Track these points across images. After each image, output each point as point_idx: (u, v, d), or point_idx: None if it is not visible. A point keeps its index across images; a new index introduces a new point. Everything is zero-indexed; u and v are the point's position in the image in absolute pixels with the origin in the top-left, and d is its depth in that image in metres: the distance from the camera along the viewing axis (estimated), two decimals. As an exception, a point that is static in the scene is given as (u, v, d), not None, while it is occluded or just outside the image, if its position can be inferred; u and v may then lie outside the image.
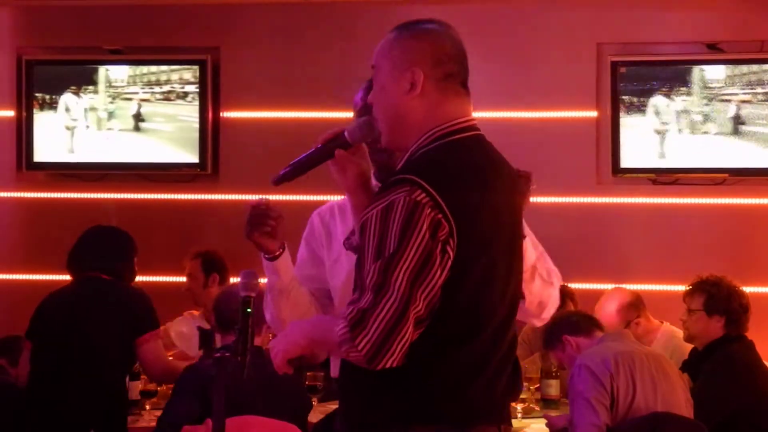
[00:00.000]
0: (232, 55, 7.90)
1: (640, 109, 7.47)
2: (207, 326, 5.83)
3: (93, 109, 7.87)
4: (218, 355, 3.57)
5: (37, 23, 8.11)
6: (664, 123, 7.43)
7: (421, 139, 2.73)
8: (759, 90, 7.32)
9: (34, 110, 7.90)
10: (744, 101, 7.34)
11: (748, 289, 5.85)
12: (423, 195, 2.56)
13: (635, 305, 6.44)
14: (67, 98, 7.88)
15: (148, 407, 5.77)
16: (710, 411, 5.23)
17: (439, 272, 2.57)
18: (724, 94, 7.37)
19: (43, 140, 7.90)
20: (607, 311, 6.39)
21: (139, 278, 7.47)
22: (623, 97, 7.46)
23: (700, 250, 7.40)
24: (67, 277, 5.76)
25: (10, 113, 7.98)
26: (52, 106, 7.89)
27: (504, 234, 2.73)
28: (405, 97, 2.74)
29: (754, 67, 7.34)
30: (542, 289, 3.28)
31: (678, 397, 4.92)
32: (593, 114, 7.58)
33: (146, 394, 5.84)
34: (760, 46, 7.43)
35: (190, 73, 7.83)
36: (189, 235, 7.71)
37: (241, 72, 7.88)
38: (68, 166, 7.96)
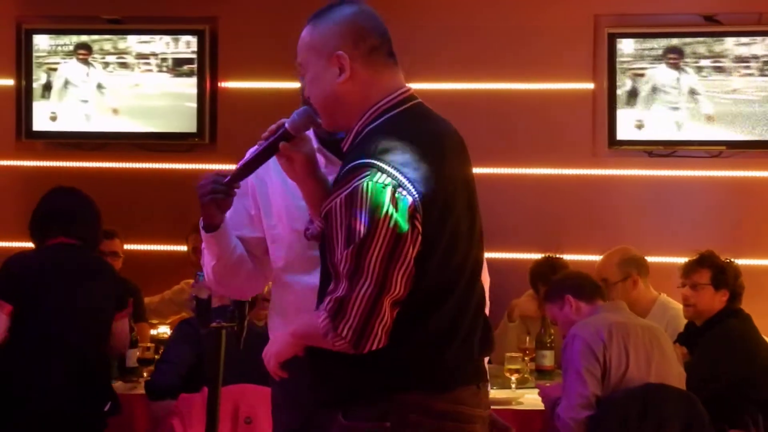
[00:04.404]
0: (230, 25, 7.91)
1: (638, 81, 7.48)
2: (204, 296, 5.85)
3: (94, 80, 7.89)
4: (215, 324, 3.61)
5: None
6: (662, 95, 7.44)
7: (364, 117, 2.77)
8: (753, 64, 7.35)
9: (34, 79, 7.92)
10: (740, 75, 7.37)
11: (742, 262, 5.89)
12: (385, 177, 2.60)
13: (637, 263, 6.40)
14: (66, 68, 7.91)
15: (145, 374, 5.81)
16: (706, 383, 5.27)
17: (411, 249, 2.61)
18: (720, 67, 7.38)
19: (41, 109, 7.91)
20: (609, 262, 6.40)
21: (138, 247, 7.58)
22: (620, 69, 7.48)
23: (696, 222, 7.43)
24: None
25: (10, 82, 7.99)
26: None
27: (462, 195, 2.77)
28: (337, 83, 2.77)
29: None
30: None
31: (671, 370, 4.95)
32: (590, 86, 7.59)
33: (144, 362, 5.87)
34: (758, 18, 7.44)
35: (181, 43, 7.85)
36: (187, 205, 7.70)
37: (239, 42, 7.88)
38: (67, 135, 7.97)
